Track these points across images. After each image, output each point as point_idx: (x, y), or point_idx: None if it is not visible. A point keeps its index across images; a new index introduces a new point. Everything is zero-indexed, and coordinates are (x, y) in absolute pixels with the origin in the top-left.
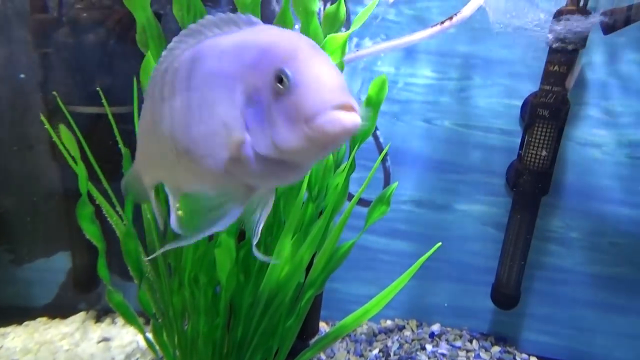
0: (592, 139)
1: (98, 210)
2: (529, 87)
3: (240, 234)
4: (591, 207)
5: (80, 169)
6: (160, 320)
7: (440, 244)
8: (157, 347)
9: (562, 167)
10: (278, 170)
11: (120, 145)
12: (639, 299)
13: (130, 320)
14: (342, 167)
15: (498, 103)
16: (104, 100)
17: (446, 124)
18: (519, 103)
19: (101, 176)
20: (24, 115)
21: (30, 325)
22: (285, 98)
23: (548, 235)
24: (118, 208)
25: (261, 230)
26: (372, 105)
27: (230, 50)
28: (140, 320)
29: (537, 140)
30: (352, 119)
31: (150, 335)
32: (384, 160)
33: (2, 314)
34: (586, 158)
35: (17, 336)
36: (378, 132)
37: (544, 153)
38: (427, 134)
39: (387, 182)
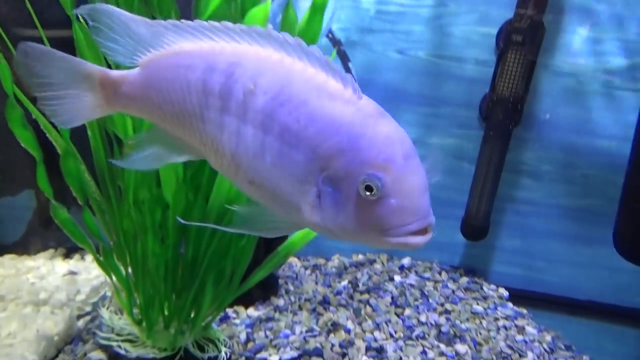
0: (568, 67)
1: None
2: (506, 14)
3: None
4: (564, 138)
5: (2, 67)
6: (111, 243)
7: None
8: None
9: (536, 97)
10: (333, 233)
11: None
12: (607, 230)
13: (78, 238)
14: None
15: (473, 31)
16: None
17: (420, 55)
18: (495, 31)
19: None
20: None
21: None
22: (369, 203)
23: (519, 168)
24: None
25: None
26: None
27: (311, 114)
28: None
29: (510, 68)
30: (421, 241)
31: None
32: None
33: None
34: (561, 88)
35: None
36: (350, 65)
37: (516, 81)
38: (401, 66)
39: None
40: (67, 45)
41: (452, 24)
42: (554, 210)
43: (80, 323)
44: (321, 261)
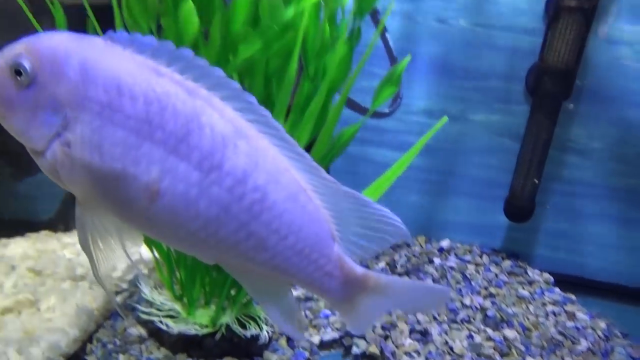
0: (622, 35)
1: None
2: None
3: None
4: (618, 113)
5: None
6: None
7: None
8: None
9: (587, 68)
10: None
11: None
12: None
13: None
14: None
15: None
16: None
17: (462, 24)
18: None
19: None
20: None
21: (32, 237)
22: None
23: (567, 145)
24: None
25: None
26: None
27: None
28: None
29: (561, 36)
30: None
31: None
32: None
33: (5, 227)
34: (614, 58)
35: (18, 246)
36: (388, 35)
37: (568, 51)
38: (441, 35)
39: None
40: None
41: None
42: (603, 191)
43: (119, 299)
44: None
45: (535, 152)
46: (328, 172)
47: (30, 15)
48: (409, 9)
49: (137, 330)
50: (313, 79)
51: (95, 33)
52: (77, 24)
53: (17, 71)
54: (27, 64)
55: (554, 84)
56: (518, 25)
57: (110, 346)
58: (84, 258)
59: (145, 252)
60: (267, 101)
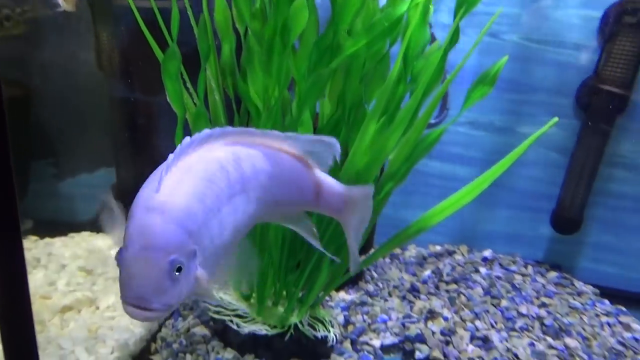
0: None
1: None
2: None
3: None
4: None
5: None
6: None
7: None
8: None
9: (638, 86)
10: None
11: None
12: None
13: None
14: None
15: (574, 14)
16: None
17: (514, 38)
18: (599, 14)
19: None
20: None
21: (75, 237)
22: None
23: (616, 160)
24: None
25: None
26: None
27: None
28: None
29: (619, 52)
30: (131, 312)
31: None
32: None
33: (46, 227)
34: None
35: (64, 245)
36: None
37: (625, 67)
38: (492, 49)
39: None
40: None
41: (552, 6)
42: None
43: None
44: (397, 251)
45: (586, 165)
46: (403, 178)
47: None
48: (460, 23)
49: (201, 330)
50: (407, 80)
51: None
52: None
53: (177, 269)
54: (184, 261)
55: (610, 100)
56: (569, 41)
57: (175, 346)
58: None
59: None
60: (359, 103)
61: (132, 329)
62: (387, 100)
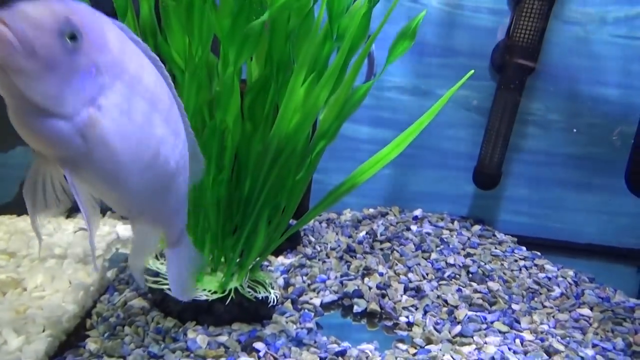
0: (577, 16)
1: None
2: None
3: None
4: (571, 88)
5: None
6: None
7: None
8: None
9: (545, 47)
10: None
11: None
12: (610, 176)
13: None
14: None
15: None
16: None
17: (434, 4)
18: None
19: None
20: None
21: None
22: None
23: (529, 118)
24: None
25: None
26: None
27: None
28: None
29: (527, 15)
30: None
31: None
32: None
33: None
34: (570, 37)
35: None
36: None
37: (533, 30)
38: (414, 14)
39: None
40: None
41: None
42: (560, 159)
43: (110, 274)
44: (333, 215)
45: (502, 124)
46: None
47: None
48: None
49: (139, 303)
50: (334, 38)
51: None
52: None
53: (70, 35)
54: (78, 29)
55: (519, 60)
56: (483, 6)
57: (112, 320)
58: (57, 237)
59: (122, 231)
60: (287, 60)
61: (64, 306)
62: (315, 58)
